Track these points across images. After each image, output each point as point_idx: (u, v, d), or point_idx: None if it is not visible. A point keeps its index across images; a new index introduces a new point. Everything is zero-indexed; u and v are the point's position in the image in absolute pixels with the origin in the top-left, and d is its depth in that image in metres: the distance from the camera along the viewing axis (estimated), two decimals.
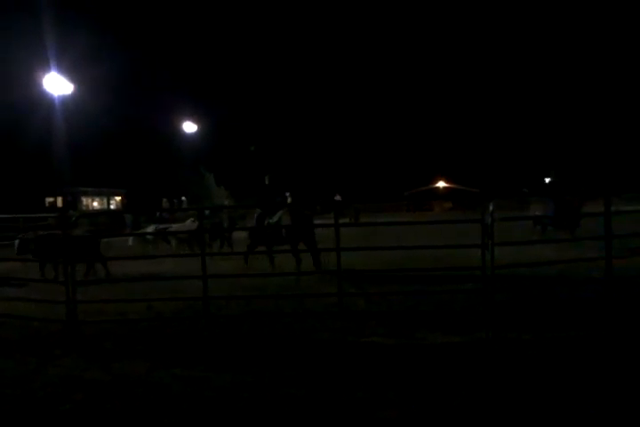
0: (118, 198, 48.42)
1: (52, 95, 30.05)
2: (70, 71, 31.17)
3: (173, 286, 8.05)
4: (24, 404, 4.28)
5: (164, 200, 32.11)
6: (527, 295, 7.22)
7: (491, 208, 5.70)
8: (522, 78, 57.50)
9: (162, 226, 15.96)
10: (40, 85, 30.04)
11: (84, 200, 44.93)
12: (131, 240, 15.50)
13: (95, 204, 46.15)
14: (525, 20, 57.40)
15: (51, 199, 41.50)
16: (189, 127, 44.56)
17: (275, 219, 10.40)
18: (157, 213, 19.11)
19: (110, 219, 25.84)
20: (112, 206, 47.09)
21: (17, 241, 10.42)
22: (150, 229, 15.98)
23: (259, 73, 60.25)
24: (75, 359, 5.44)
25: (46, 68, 29.97)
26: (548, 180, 13.86)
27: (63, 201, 38.78)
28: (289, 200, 29.70)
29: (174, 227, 15.53)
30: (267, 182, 11.36)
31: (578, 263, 7.24)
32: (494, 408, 3.90)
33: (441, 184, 58.41)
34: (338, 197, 32.64)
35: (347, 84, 61.38)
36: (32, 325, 6.71)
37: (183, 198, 33.70)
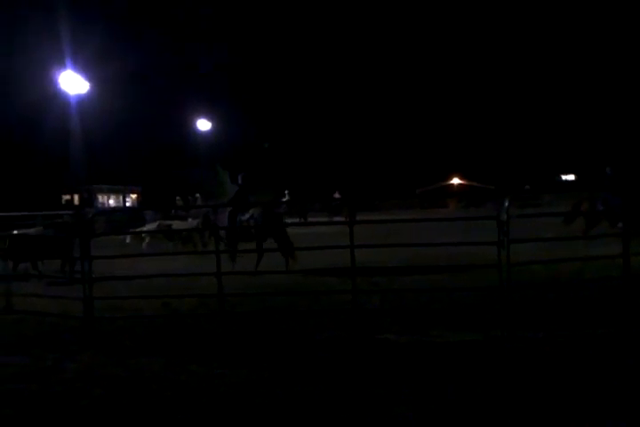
0: (134, 196, 48.77)
1: (67, 94, 30.33)
2: (86, 69, 31.44)
3: (186, 283, 8.10)
4: (43, 399, 4.34)
5: (178, 198, 32.29)
6: (543, 293, 7.16)
7: (506, 205, 5.66)
8: (536, 75, 56.89)
9: (166, 223, 16.15)
10: (56, 84, 30.33)
11: (100, 197, 45.31)
12: (128, 238, 15.65)
13: (111, 201, 46.51)
14: (542, 14, 56.78)
15: (67, 197, 41.90)
16: (204, 125, 44.75)
17: (246, 217, 10.73)
18: (172, 211, 19.29)
19: (128, 216, 26.04)
20: (128, 204, 47.45)
21: None
22: (153, 226, 16.17)
23: (272, 70, 60.23)
24: (92, 355, 5.50)
25: (62, 67, 30.25)
26: (605, 173, 13.37)
27: (80, 198, 39.17)
28: (286, 198, 30.00)
29: (175, 224, 15.75)
30: (240, 182, 11.74)
31: (598, 261, 7.15)
32: (509, 406, 3.88)
33: (455, 181, 58.08)
34: (337, 195, 32.61)
35: (360, 79, 61.21)
36: (50, 321, 6.80)
37: (197, 195, 33.83)
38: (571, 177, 58.97)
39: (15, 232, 11.07)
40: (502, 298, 5.69)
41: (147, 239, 15.17)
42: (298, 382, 4.47)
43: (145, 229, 16.10)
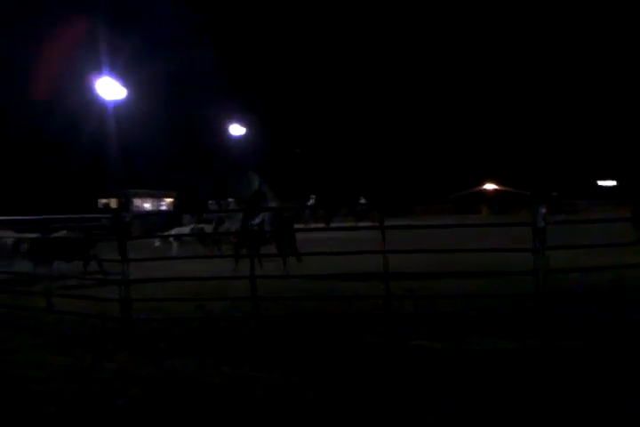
0: (169, 200, 49.58)
1: (105, 100, 31.08)
2: (122, 75, 32.17)
3: (220, 286, 8.21)
4: (82, 398, 4.45)
5: (211, 202, 32.66)
6: (580, 301, 7.01)
7: (543, 211, 5.59)
8: (576, 77, 55.71)
9: (198, 226, 16.41)
10: (93, 90, 31.12)
11: (136, 201, 46.21)
12: (157, 241, 15.95)
13: (147, 205, 47.38)
14: (575, 14, 55.57)
15: (104, 201, 42.84)
16: (237, 130, 45.29)
17: (257, 221, 11.13)
18: (203, 215, 19.57)
19: (164, 219, 26.50)
20: (163, 207, 48.24)
21: (12, 241, 10.79)
22: (185, 230, 16.42)
23: (305, 75, 60.59)
24: (129, 356, 5.62)
25: (99, 73, 31.02)
26: None
27: (117, 202, 40.02)
28: (311, 202, 29.79)
29: (206, 228, 15.97)
30: (257, 188, 12.17)
31: (637, 269, 6.97)
32: (544, 417, 3.82)
33: (489, 186, 57.31)
34: (363, 200, 32.28)
35: (394, 84, 61.06)
36: (89, 321, 6.97)
37: (230, 200, 34.19)
38: (610, 183, 57.43)
39: (35, 235, 11.31)
40: (538, 306, 5.61)
41: (175, 243, 15.40)
42: (329, 388, 4.48)
43: (173, 232, 16.35)
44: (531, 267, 5.73)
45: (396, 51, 62.25)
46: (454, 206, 43.63)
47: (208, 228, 16.44)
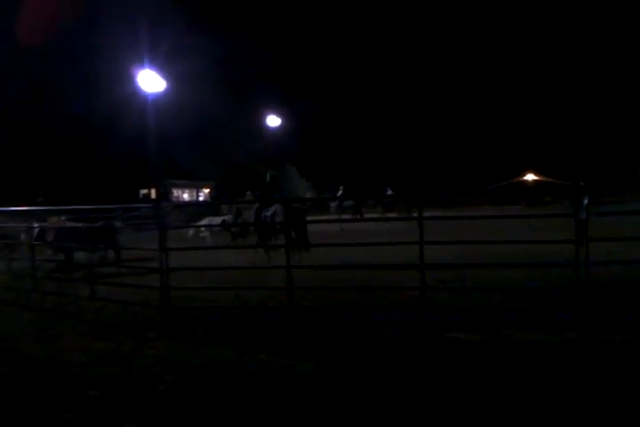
0: (207, 190, 50.31)
1: (145, 92, 31.62)
2: (162, 68, 32.63)
3: (256, 275, 8.30)
4: (123, 383, 4.59)
5: (248, 193, 32.99)
6: (622, 295, 6.82)
7: (585, 202, 5.44)
8: (617, 65, 53.83)
9: (220, 218, 16.66)
10: (135, 82, 31.68)
11: (175, 192, 47.09)
12: (191, 231, 16.24)
13: (185, 195, 48.25)
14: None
15: (145, 191, 43.80)
16: (273, 121, 45.47)
17: (270, 212, 11.52)
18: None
19: (203, 209, 26.91)
20: (201, 198, 49.01)
21: (36, 230, 10.64)
22: (215, 220, 16.67)
23: (341, 67, 60.30)
24: (168, 342, 5.76)
25: (140, 65, 31.54)
26: None
27: (157, 193, 40.83)
28: (340, 193, 29.49)
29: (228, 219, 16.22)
30: (267, 180, 12.64)
31: None
32: (581, 410, 3.75)
33: (530, 177, 56.05)
34: (389, 192, 31.74)
35: (431, 71, 60.16)
36: (129, 309, 7.16)
37: None
38: None
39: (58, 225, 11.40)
40: (579, 298, 5.48)
41: (205, 233, 15.71)
42: (365, 377, 4.50)
43: (204, 222, 16.62)
44: (571, 259, 5.60)
45: (435, 41, 61.32)
46: (492, 197, 42.85)
47: (230, 219, 16.72)
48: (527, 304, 6.64)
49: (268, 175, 12.74)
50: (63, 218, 11.53)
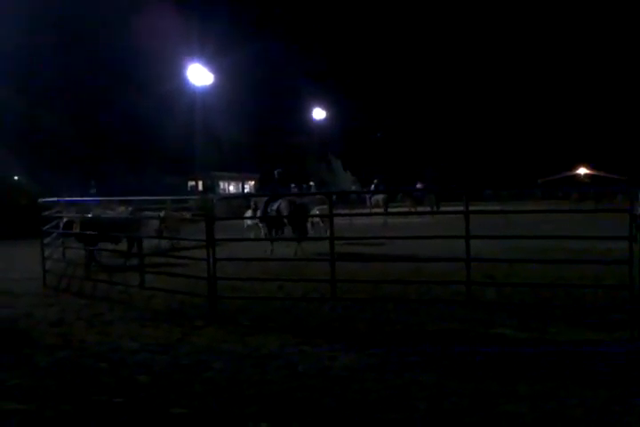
0: (252, 183, 50.88)
1: (194, 85, 32.18)
2: (210, 62, 33.12)
3: (299, 267, 8.36)
4: (172, 369, 4.72)
5: (293, 185, 33.21)
6: None
7: None
8: None
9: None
10: (184, 76, 32.28)
11: (222, 184, 47.81)
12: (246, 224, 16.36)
13: (231, 187, 48.94)
14: None
15: (192, 183, 44.68)
16: (319, 114, 45.55)
17: (275, 206, 12.41)
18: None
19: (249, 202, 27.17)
20: (246, 190, 49.63)
21: (64, 220, 10.53)
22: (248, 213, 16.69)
23: (386, 61, 59.71)
24: (214, 331, 5.89)
25: (190, 60, 32.10)
26: None
27: (204, 185, 41.60)
28: (372, 187, 29.20)
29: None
30: (276, 177, 13.70)
31: None
32: (630, 412, 3.63)
33: (582, 171, 54.31)
34: (419, 185, 31.17)
35: (480, 64, 58.90)
36: (177, 298, 7.34)
37: (312, 184, 34.62)
38: None
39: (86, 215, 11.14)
40: (632, 297, 5.30)
41: (246, 226, 15.77)
42: (407, 370, 4.48)
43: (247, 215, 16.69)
44: (626, 256, 5.40)
45: (481, 38, 59.99)
46: (543, 191, 41.73)
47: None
48: (577, 302, 6.47)
49: (276, 172, 13.80)
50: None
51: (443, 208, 24.07)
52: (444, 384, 4.17)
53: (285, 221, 12.45)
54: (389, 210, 24.45)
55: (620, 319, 5.44)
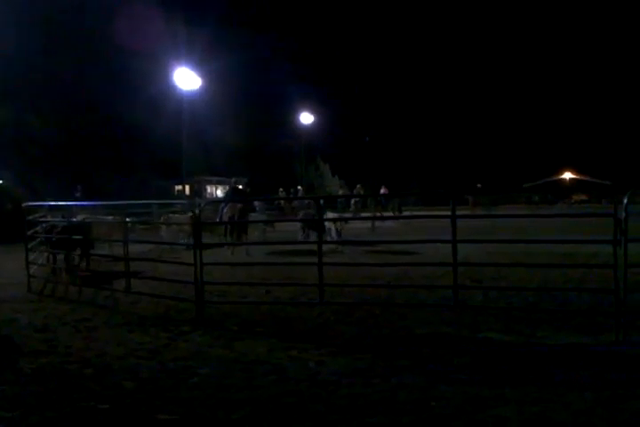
0: (240, 187, 50.74)
1: (181, 89, 32.06)
2: (198, 66, 33.04)
3: (286, 272, 8.33)
4: (158, 375, 4.68)
5: (281, 190, 33.25)
6: None
7: (625, 201, 5.30)
8: None
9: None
10: (171, 80, 32.15)
11: (209, 188, 47.64)
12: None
13: (219, 192, 48.75)
14: None
15: (179, 187, 44.44)
16: (306, 118, 45.56)
17: (224, 211, 13.65)
18: (275, 202, 19.96)
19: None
20: None
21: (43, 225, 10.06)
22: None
23: (373, 65, 60.05)
24: (201, 336, 5.85)
25: (177, 64, 31.98)
26: None
27: (190, 189, 41.37)
28: (361, 192, 30.85)
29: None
30: (232, 184, 15.64)
31: None
32: (618, 415, 3.66)
33: (567, 175, 54.85)
34: (383, 190, 31.75)
35: (466, 69, 59.41)
36: (164, 302, 7.29)
37: (299, 188, 34.66)
38: None
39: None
40: (617, 300, 5.35)
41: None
42: (395, 374, 4.48)
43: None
44: (610, 260, 5.46)
45: (468, 40, 60.53)
46: (527, 196, 42.05)
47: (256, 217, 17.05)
48: (563, 306, 6.52)
49: (232, 180, 15.70)
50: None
51: (434, 212, 24.26)
52: (432, 388, 4.18)
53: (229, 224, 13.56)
54: (361, 214, 25.90)
55: (604, 323, 5.49)
